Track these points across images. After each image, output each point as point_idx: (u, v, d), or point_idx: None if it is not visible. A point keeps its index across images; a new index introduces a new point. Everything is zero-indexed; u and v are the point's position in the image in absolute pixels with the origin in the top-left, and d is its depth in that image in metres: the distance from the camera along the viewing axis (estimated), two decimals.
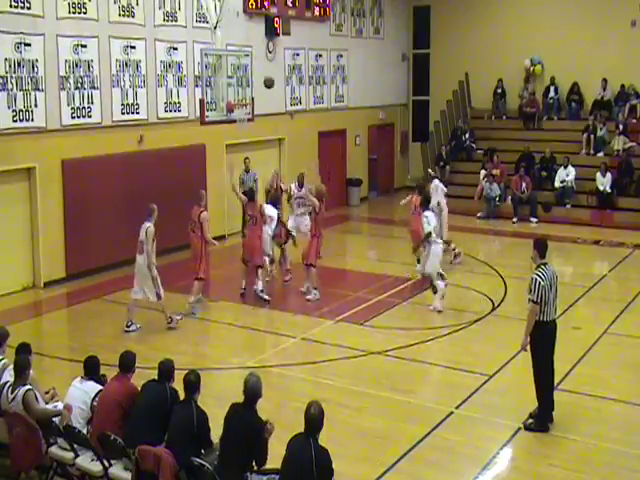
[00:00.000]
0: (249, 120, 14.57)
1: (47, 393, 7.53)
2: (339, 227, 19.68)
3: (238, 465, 6.19)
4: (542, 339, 8.24)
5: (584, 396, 9.29)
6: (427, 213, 12.78)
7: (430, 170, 17.40)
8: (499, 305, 12.84)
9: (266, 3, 18.43)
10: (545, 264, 8.23)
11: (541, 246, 8.33)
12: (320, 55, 21.18)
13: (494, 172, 20.70)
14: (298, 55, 20.30)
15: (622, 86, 21.75)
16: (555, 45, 22.65)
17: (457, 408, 8.90)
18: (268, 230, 13.55)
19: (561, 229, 18.81)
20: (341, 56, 22.11)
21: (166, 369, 6.91)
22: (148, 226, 11.47)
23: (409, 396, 9.29)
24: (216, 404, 6.53)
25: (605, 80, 21.84)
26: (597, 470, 7.61)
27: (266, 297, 12.99)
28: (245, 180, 17.11)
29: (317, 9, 20.47)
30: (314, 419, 5.82)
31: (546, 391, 8.40)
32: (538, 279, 8.07)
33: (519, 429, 8.41)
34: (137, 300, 11.76)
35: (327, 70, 21.54)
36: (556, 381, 9.48)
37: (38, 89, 13.69)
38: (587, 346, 10.87)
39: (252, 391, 6.29)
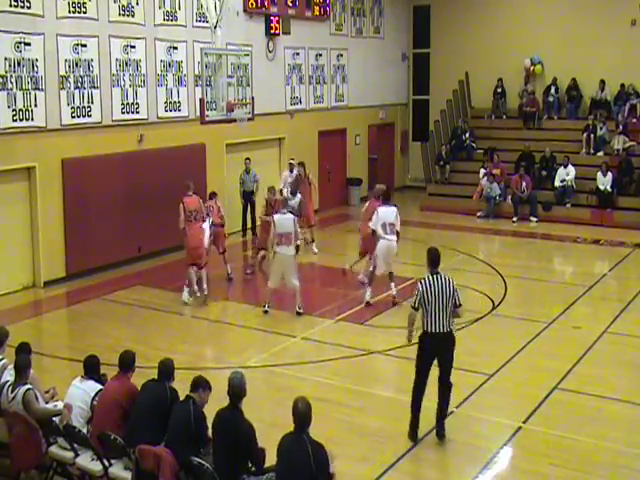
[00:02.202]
0: (249, 119, 14.58)
1: (47, 393, 7.53)
2: (339, 226, 19.72)
3: (232, 470, 6.16)
4: (420, 349, 8.02)
5: (584, 396, 9.29)
6: (381, 208, 12.92)
7: (293, 161, 17.09)
8: (499, 305, 12.84)
9: (266, 2, 18.42)
10: (437, 273, 7.96)
11: (432, 256, 8.06)
12: (320, 54, 21.17)
13: (494, 171, 20.71)
14: (298, 54, 20.28)
15: (622, 85, 21.74)
16: (555, 45, 22.66)
17: (457, 408, 8.87)
18: None
19: (561, 228, 18.82)
20: (341, 55, 22.10)
21: (166, 369, 6.91)
22: (291, 217, 12.24)
23: (409, 396, 9.25)
24: (216, 404, 6.51)
25: (603, 82, 21.85)
26: (597, 470, 7.61)
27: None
28: (245, 180, 17.11)
29: (317, 8, 20.46)
30: (303, 414, 5.82)
31: (414, 405, 8.16)
32: (419, 285, 7.90)
33: (519, 428, 8.41)
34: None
35: (327, 70, 21.52)
36: (556, 381, 9.56)
37: (38, 88, 13.68)
38: (587, 345, 10.87)
39: (235, 390, 6.27)
